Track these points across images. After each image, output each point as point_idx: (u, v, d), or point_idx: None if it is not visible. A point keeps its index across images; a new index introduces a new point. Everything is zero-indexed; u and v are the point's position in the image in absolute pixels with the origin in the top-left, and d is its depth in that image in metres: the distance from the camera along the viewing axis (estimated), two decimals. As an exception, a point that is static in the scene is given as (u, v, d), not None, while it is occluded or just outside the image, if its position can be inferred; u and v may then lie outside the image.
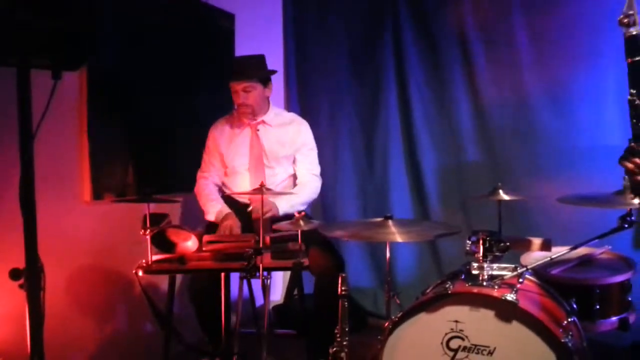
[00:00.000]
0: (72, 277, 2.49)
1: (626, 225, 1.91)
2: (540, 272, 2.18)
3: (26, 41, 1.41)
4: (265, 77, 2.78)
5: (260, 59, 2.80)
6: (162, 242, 2.21)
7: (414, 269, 3.66)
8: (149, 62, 2.87)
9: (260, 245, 2.11)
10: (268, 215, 2.50)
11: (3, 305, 2.05)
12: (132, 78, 2.78)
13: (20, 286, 1.52)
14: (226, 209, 2.71)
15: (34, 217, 1.50)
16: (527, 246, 2.21)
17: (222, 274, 2.24)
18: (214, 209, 2.72)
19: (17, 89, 1.47)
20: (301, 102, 4.00)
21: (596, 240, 2.02)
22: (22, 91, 1.48)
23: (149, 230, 2.11)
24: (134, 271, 2.12)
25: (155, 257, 2.19)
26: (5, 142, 2.05)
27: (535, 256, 2.30)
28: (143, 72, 2.84)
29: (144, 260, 2.15)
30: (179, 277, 2.65)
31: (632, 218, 1.93)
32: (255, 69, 2.75)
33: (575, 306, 2.03)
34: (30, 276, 1.51)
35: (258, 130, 2.82)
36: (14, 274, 1.51)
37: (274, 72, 2.85)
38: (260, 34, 3.79)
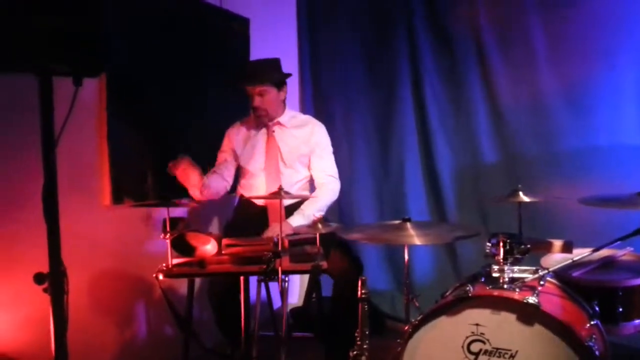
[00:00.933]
0: (94, 281, 2.52)
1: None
2: (562, 275, 2.15)
3: (47, 48, 1.43)
4: (279, 81, 2.79)
5: (274, 63, 2.81)
6: (182, 246, 2.23)
7: (432, 271, 3.64)
8: (166, 67, 2.90)
9: (279, 248, 2.11)
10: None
11: (28, 309, 2.08)
12: (149, 83, 2.81)
13: (45, 290, 1.54)
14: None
15: (57, 222, 1.52)
16: (547, 248, 2.19)
17: (241, 277, 2.25)
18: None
19: (40, 97, 1.49)
20: (316, 104, 4.00)
21: (618, 242, 2.00)
22: (44, 98, 1.50)
23: (168, 235, 2.13)
24: (154, 275, 2.14)
25: (175, 261, 2.21)
26: (26, 148, 2.08)
27: (556, 258, 2.28)
28: (160, 77, 2.86)
29: (164, 264, 2.17)
30: (197, 281, 2.67)
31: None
32: (269, 73, 2.76)
33: (597, 309, 2.00)
34: (54, 280, 1.53)
35: (274, 131, 2.83)
36: (39, 279, 1.53)
37: (288, 75, 2.86)
38: (275, 37, 3.81)
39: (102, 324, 2.60)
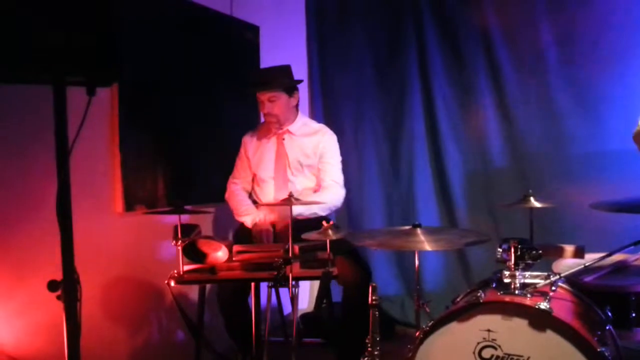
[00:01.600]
0: (106, 288, 2.54)
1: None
2: (574, 280, 2.13)
3: (62, 60, 1.45)
4: (290, 87, 2.81)
5: (285, 69, 2.83)
6: (193, 253, 2.24)
7: (442, 277, 3.64)
8: (178, 76, 2.93)
9: (290, 254, 2.12)
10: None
11: (41, 315, 2.10)
12: (161, 91, 2.83)
13: (58, 297, 1.55)
14: (259, 215, 2.75)
15: (70, 230, 1.54)
16: (559, 253, 2.17)
17: (252, 284, 2.26)
18: (248, 212, 2.78)
19: (54, 106, 1.51)
20: (325, 110, 4.02)
21: (631, 247, 1.98)
22: (58, 108, 1.52)
23: (180, 241, 2.15)
24: (166, 282, 2.15)
25: (186, 267, 2.22)
26: (39, 156, 2.11)
27: (568, 263, 2.26)
28: (172, 86, 2.89)
29: (175, 271, 2.18)
30: (208, 287, 2.68)
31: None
32: (279, 79, 2.77)
33: (610, 314, 1.98)
34: (67, 287, 1.54)
35: (284, 139, 2.85)
36: (52, 286, 1.55)
37: (299, 81, 2.88)
38: (285, 45, 3.84)
39: (114, 330, 2.62)
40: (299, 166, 2.83)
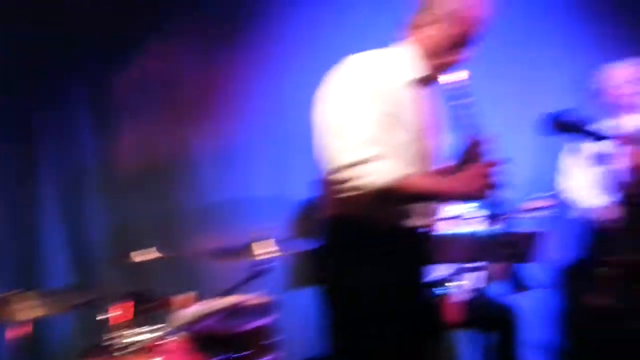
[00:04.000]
0: None
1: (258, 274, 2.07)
2: (190, 328, 2.16)
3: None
4: None
5: None
6: None
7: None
8: None
9: None
10: None
11: None
12: None
13: None
14: None
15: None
16: (174, 304, 2.18)
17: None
18: None
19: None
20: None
21: (248, 287, 2.10)
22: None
23: None
24: None
25: None
26: None
27: (186, 313, 2.28)
28: None
29: None
30: None
31: (266, 266, 2.10)
32: None
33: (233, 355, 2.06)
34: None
35: None
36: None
37: None
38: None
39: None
40: None
